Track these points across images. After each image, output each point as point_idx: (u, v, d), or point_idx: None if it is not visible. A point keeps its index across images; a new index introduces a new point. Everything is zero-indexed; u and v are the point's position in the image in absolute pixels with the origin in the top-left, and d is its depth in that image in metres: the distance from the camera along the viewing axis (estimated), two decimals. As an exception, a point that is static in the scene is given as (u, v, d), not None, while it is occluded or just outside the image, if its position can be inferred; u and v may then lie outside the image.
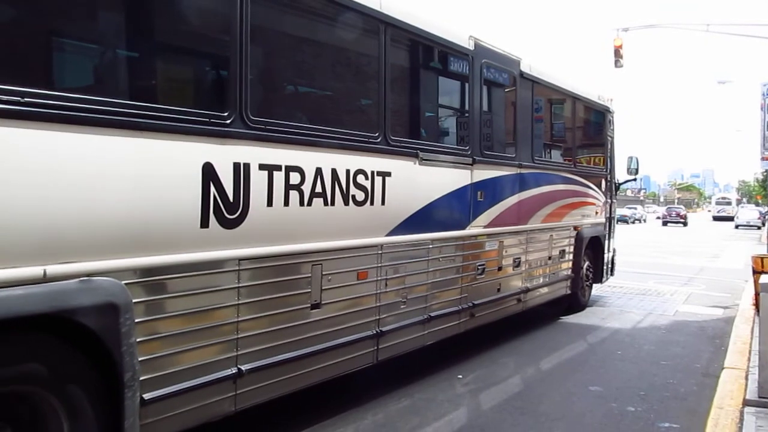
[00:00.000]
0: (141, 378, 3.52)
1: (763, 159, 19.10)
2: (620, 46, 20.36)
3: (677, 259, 20.36)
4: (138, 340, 3.49)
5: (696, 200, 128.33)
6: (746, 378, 6.15)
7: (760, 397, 5.44)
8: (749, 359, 6.83)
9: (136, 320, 3.48)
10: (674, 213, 55.18)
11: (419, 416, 5.29)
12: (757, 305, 9.42)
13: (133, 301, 3.45)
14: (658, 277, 15.05)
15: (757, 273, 9.27)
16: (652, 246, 25.93)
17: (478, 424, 5.20)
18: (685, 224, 51.68)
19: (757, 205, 66.47)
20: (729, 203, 73.02)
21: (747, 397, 5.55)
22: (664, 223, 53.24)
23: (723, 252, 24.65)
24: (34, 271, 3.05)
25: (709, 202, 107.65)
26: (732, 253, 24.16)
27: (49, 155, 3.11)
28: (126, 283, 3.43)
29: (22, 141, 3.01)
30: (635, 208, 59.43)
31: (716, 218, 66.41)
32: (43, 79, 3.31)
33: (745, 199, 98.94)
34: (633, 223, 53.04)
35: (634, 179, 12.72)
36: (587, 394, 6.06)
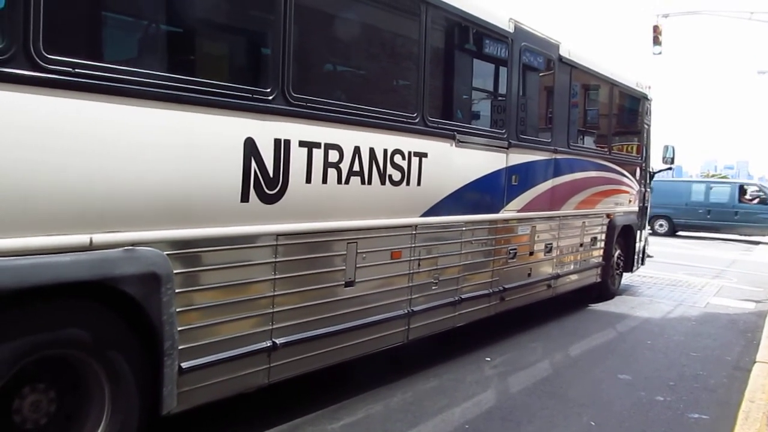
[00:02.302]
0: (179, 347, 3.61)
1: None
2: (659, 32, 19.97)
3: (708, 250, 20.06)
4: (177, 310, 3.57)
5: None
6: (779, 372, 6.08)
7: (793, 392, 5.39)
8: (782, 354, 6.76)
9: (177, 291, 3.56)
10: None
11: (447, 397, 5.33)
12: (791, 300, 9.30)
13: (174, 271, 3.53)
14: (688, 268, 14.86)
15: (792, 267, 9.16)
16: (683, 236, 25.57)
17: (506, 407, 5.22)
18: None
19: None
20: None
21: (779, 391, 5.50)
22: None
23: (756, 246, 24.22)
24: (81, 238, 3.14)
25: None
26: (765, 247, 23.74)
27: (97, 126, 3.17)
28: (168, 254, 3.50)
29: (72, 112, 3.07)
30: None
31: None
32: (91, 52, 3.36)
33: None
34: (664, 213, 52.44)
35: (670, 168, 12.52)
36: (616, 382, 6.05)
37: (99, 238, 3.20)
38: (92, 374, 3.36)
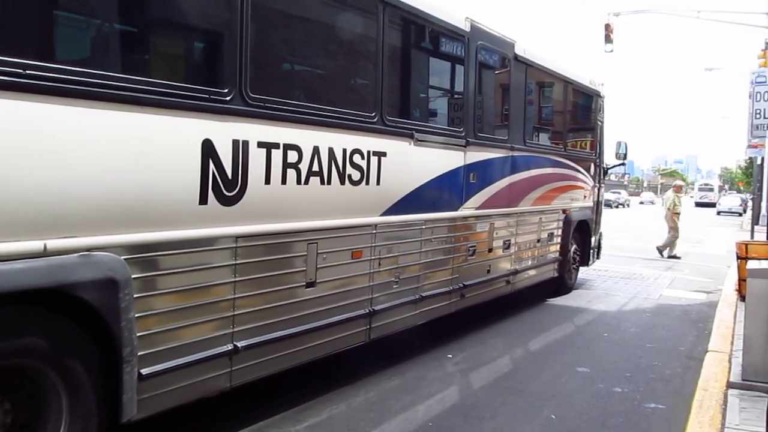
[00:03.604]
0: (139, 353, 3.54)
1: (750, 146, 19.28)
2: (611, 31, 20.38)
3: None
4: (136, 315, 3.51)
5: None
6: (729, 361, 6.26)
7: (743, 380, 5.55)
8: (732, 343, 6.96)
9: (135, 296, 3.49)
10: None
11: (411, 394, 5.35)
12: (740, 290, 9.59)
13: (132, 276, 3.46)
14: (642, 261, 15.22)
15: (741, 259, 9.41)
16: (637, 230, 26.15)
17: (469, 403, 5.27)
18: None
19: (739, 191, 67.13)
20: (711, 189, 73.65)
21: (731, 379, 5.66)
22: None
23: (705, 238, 24.92)
24: (35, 245, 3.06)
25: (692, 188, 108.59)
26: (714, 239, 24.43)
27: (50, 129, 3.10)
28: (125, 259, 3.44)
29: (23, 114, 2.99)
30: (619, 193, 59.85)
31: (698, 204, 67.02)
32: (43, 52, 3.26)
33: (727, 186, 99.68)
34: (617, 207, 53.45)
35: (623, 164, 12.79)
36: (575, 375, 6.16)
37: (53, 243, 3.12)
38: (49, 383, 3.27)
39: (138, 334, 3.53)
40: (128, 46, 3.85)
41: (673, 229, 16.52)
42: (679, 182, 19.47)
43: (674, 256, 16.25)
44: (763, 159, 19.76)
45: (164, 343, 3.75)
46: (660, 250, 16.39)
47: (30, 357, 3.18)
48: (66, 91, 3.15)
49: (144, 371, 3.60)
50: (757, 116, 10.77)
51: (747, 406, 5.06)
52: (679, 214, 16.89)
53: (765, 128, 10.73)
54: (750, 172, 48.82)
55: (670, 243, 16.55)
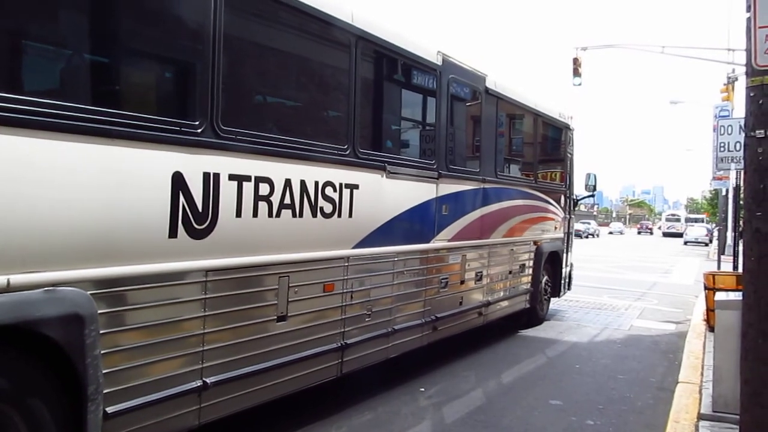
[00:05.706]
0: (104, 391, 3.45)
1: (715, 179, 19.67)
2: (579, 65, 20.81)
3: (630, 274, 20.77)
4: (102, 352, 3.42)
5: (647, 216, 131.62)
6: (700, 392, 6.29)
7: (714, 411, 5.57)
8: (702, 374, 7.00)
9: (101, 332, 3.40)
10: (645, 226, 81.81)
11: (383, 430, 5.28)
12: (708, 321, 9.69)
13: (99, 311, 3.38)
14: (612, 291, 15.34)
15: (709, 289, 9.53)
16: (606, 261, 26.42)
17: (441, 438, 5.22)
18: (651, 233, 75.60)
19: (705, 222, 68.14)
20: (678, 220, 74.88)
21: (702, 411, 5.68)
22: (639, 232, 77.03)
23: (673, 268, 25.24)
24: (-3, 280, 2.96)
25: (659, 218, 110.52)
26: (682, 268, 24.76)
27: (14, 161, 3.03)
28: (91, 294, 3.36)
29: (-13, 146, 2.93)
30: (589, 223, 60.47)
31: (666, 234, 67.93)
32: (9, 83, 3.21)
33: (692, 215, 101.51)
34: (586, 237, 54.01)
35: (592, 195, 12.96)
36: (548, 408, 6.14)
37: (17, 278, 3.04)
38: (9, 424, 3.16)
39: (104, 371, 3.43)
40: (97, 77, 3.79)
41: None
42: None
43: None
44: (728, 190, 20.17)
45: (131, 380, 3.65)
46: None
47: (-10, 397, 3.07)
48: (32, 123, 3.09)
49: (109, 410, 3.50)
50: (722, 149, 10.98)
51: (718, 438, 5.09)
52: None
53: (729, 161, 10.94)
54: (715, 203, 49.79)
55: None
